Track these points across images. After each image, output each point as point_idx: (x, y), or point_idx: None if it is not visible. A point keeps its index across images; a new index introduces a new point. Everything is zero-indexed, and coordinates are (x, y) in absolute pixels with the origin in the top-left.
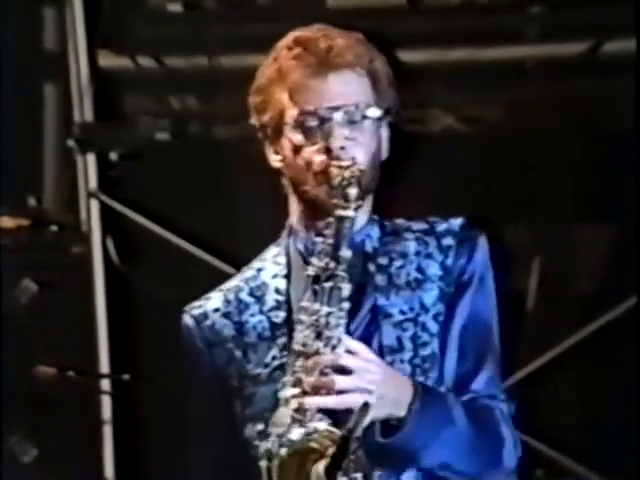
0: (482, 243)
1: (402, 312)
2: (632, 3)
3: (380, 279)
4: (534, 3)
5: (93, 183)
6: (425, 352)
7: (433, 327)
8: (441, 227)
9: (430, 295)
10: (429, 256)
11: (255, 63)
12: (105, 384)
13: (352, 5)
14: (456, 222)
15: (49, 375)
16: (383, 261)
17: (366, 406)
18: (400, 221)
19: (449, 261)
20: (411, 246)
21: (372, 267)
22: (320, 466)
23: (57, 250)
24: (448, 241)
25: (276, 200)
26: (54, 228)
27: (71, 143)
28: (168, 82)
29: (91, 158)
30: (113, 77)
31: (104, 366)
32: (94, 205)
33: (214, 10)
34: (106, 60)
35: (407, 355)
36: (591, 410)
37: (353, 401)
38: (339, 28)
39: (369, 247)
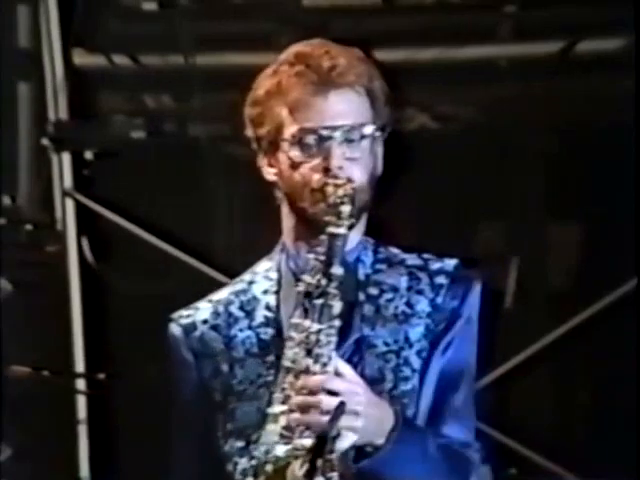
0: (476, 288)
1: (386, 344)
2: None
3: (367, 309)
4: (508, 2)
5: (68, 182)
6: (405, 387)
7: (415, 363)
8: (435, 265)
9: (416, 331)
10: (420, 292)
11: (230, 61)
12: (80, 383)
13: (327, 4)
14: (450, 262)
15: (24, 374)
16: (373, 291)
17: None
18: (395, 251)
19: (439, 299)
20: (403, 281)
21: (362, 296)
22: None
23: (32, 249)
24: (441, 280)
25: (251, 199)
26: (29, 227)
27: (46, 142)
28: (143, 80)
29: (66, 157)
30: (88, 75)
31: (79, 365)
32: (69, 204)
33: (189, 8)
34: (81, 58)
35: (388, 386)
36: (565, 409)
37: (340, 422)
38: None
39: (362, 274)
